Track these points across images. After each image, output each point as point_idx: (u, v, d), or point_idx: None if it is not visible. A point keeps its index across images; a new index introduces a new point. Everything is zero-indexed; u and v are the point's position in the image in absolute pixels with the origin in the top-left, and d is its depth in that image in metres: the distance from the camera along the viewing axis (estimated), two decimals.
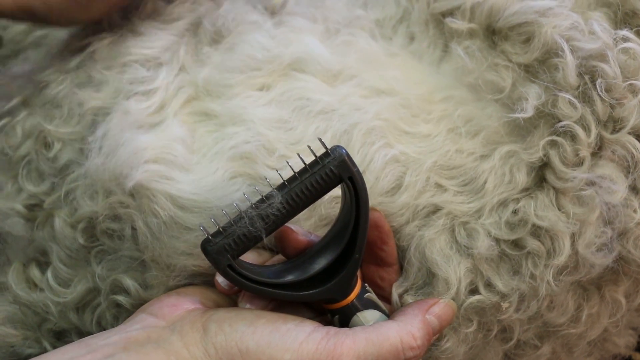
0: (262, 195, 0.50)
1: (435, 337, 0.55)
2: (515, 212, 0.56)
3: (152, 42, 0.62)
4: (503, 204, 0.56)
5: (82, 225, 0.59)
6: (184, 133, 0.58)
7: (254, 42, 0.60)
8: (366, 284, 0.55)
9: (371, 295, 0.54)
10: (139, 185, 0.55)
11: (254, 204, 0.49)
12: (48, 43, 0.70)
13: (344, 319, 0.53)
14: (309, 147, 0.51)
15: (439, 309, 0.54)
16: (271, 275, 0.52)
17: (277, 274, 0.52)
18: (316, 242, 0.54)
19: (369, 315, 0.53)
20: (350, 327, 0.52)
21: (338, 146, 0.50)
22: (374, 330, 0.51)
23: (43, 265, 0.62)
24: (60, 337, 0.63)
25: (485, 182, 0.56)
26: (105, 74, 0.61)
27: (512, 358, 0.62)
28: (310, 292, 0.52)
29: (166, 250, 0.56)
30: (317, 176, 0.49)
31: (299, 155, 0.51)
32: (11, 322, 0.62)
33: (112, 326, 0.60)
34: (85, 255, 0.60)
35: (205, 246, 0.49)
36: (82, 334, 0.61)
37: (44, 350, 0.62)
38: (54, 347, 0.62)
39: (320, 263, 0.52)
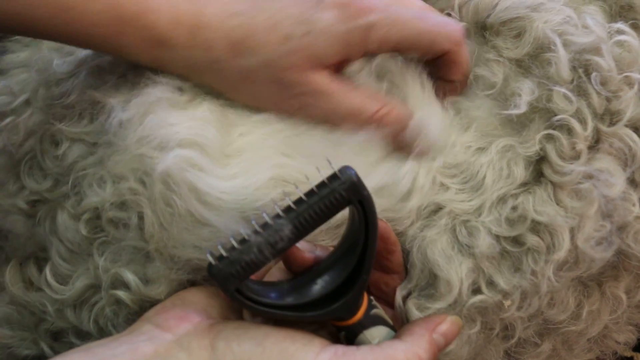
0: (268, 220, 0.48)
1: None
2: (514, 208, 0.55)
3: None
4: (502, 199, 0.56)
5: (87, 216, 0.58)
6: (221, 118, 0.56)
7: None
8: (372, 298, 0.54)
9: (378, 310, 0.53)
10: (166, 172, 0.53)
11: (261, 227, 0.48)
12: None
13: (350, 336, 0.52)
14: (317, 168, 0.49)
15: (446, 327, 0.53)
16: (277, 297, 0.51)
17: (283, 294, 0.51)
18: (322, 257, 0.53)
19: (375, 332, 0.52)
20: (357, 344, 0.52)
21: (347, 167, 0.48)
22: (381, 352, 0.50)
23: (41, 262, 0.61)
24: (58, 338, 0.62)
25: (484, 177, 0.56)
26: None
27: (513, 356, 0.61)
28: (317, 312, 0.51)
29: (172, 241, 0.55)
30: (326, 200, 0.48)
31: (307, 177, 0.50)
32: (8, 323, 0.62)
33: (111, 323, 0.59)
34: (87, 247, 0.59)
35: (213, 271, 0.48)
36: (79, 333, 0.61)
37: (42, 352, 0.62)
38: (52, 347, 0.62)
39: (327, 284, 0.51)
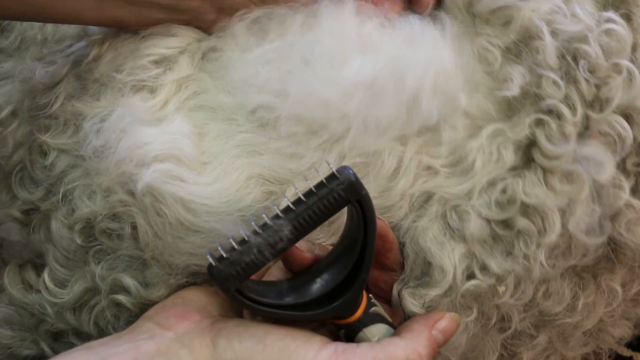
0: (267, 220, 0.49)
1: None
2: (504, 191, 0.55)
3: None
4: (492, 183, 0.56)
5: (80, 225, 0.58)
6: (192, 129, 0.57)
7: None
8: (371, 296, 0.54)
9: (377, 308, 0.54)
10: (148, 187, 0.54)
11: (261, 228, 0.49)
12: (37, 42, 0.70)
13: (350, 334, 0.53)
14: (315, 168, 0.50)
15: (445, 323, 0.54)
16: (277, 296, 0.51)
17: (283, 294, 0.52)
18: (321, 257, 0.53)
19: (374, 330, 0.53)
20: (357, 342, 0.52)
21: (345, 167, 0.49)
22: (381, 349, 0.50)
23: (39, 267, 0.62)
24: (58, 338, 0.63)
25: (474, 161, 0.56)
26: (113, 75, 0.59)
27: (509, 349, 0.61)
28: (317, 311, 0.51)
29: (168, 249, 0.55)
30: (324, 200, 0.48)
31: (305, 178, 0.50)
32: (8, 323, 0.63)
33: (112, 325, 0.60)
34: (83, 255, 0.59)
35: (213, 272, 0.49)
36: (79, 334, 0.61)
37: (42, 352, 0.63)
38: (52, 348, 0.63)
39: (326, 283, 0.52)
